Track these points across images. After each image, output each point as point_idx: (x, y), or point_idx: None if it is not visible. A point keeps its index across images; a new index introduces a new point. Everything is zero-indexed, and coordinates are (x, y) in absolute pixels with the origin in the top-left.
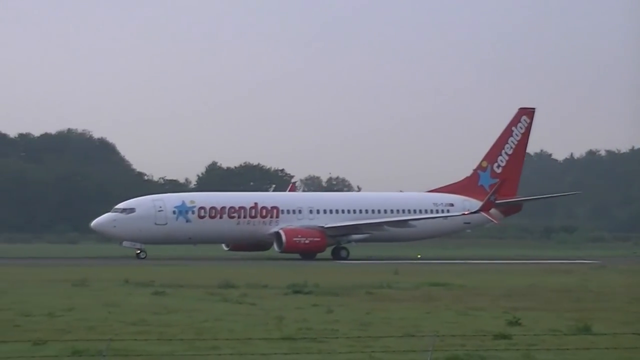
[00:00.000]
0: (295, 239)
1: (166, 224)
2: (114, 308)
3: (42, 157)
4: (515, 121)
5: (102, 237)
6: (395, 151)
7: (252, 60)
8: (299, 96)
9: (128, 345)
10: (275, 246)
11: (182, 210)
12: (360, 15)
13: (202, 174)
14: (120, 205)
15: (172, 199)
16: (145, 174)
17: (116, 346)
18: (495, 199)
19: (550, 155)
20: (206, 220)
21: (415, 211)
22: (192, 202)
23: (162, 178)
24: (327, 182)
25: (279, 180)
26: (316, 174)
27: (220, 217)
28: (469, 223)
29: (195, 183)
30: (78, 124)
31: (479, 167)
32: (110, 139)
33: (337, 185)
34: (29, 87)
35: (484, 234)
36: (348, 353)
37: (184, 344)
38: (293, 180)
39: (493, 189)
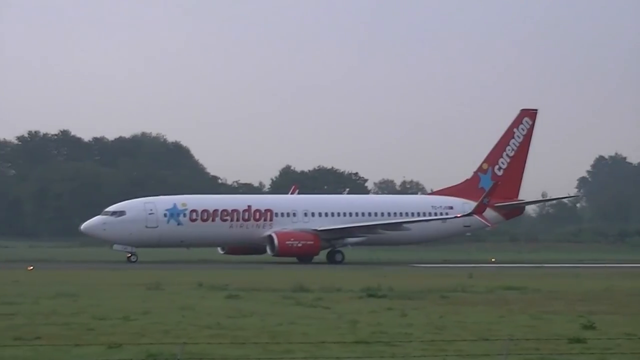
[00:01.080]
0: (288, 242)
1: (157, 227)
2: (188, 311)
3: (117, 161)
4: (517, 122)
5: (93, 240)
6: (466, 154)
7: (327, 62)
8: (373, 98)
9: (202, 349)
10: (268, 250)
11: (173, 213)
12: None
13: (275, 177)
14: (111, 208)
15: (163, 202)
16: (219, 178)
17: (190, 350)
18: (489, 202)
19: (625, 158)
20: (198, 223)
21: (413, 214)
22: (184, 204)
23: (236, 182)
24: (400, 185)
25: (353, 184)
26: (390, 178)
27: (213, 220)
28: (468, 226)
29: (269, 187)
30: (152, 128)
31: (480, 169)
32: (185, 142)
33: (411, 188)
34: (104, 91)
35: (560, 238)
36: (422, 357)
37: (258, 348)
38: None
39: (486, 192)
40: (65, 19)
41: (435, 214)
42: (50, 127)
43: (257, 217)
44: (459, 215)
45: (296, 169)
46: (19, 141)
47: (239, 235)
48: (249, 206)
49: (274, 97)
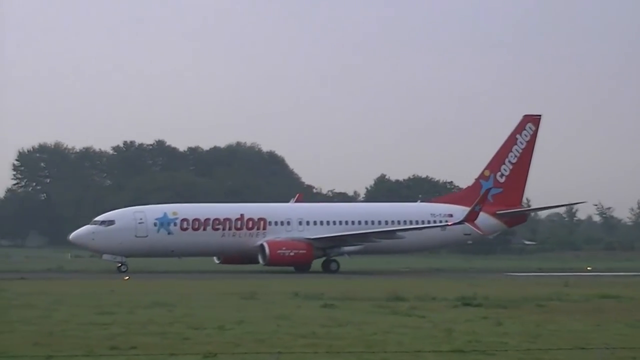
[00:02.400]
0: (279, 251)
1: (147, 236)
2: (283, 321)
3: (212, 170)
4: (520, 129)
5: (82, 250)
6: (566, 161)
7: (422, 71)
8: (467, 105)
9: (297, 358)
10: (260, 259)
11: (163, 222)
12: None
13: (370, 186)
14: (100, 218)
15: (153, 211)
16: (314, 187)
17: (285, 359)
18: (480, 209)
19: None
20: (189, 233)
21: (411, 222)
22: (174, 213)
23: (331, 191)
24: None
25: (448, 193)
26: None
27: (204, 229)
28: (469, 234)
29: (364, 196)
30: (247, 137)
31: (482, 176)
32: (279, 152)
33: None
34: (199, 101)
35: None
36: None
37: (353, 357)
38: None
39: (478, 199)
40: (161, 30)
41: (434, 222)
42: (145, 137)
43: (250, 225)
44: (450, 224)
45: (391, 178)
46: (115, 151)
47: (232, 244)
48: (242, 215)
49: (368, 107)
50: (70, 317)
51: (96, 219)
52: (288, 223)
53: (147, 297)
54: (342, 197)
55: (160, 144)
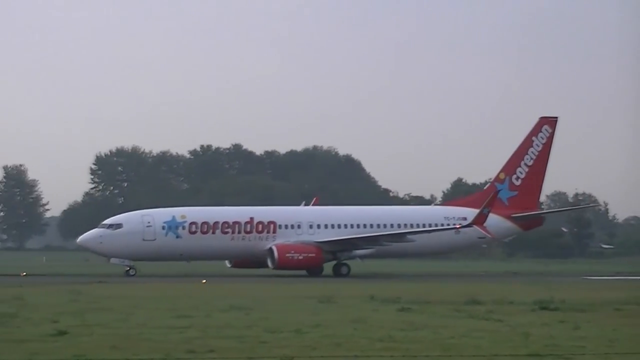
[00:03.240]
0: (288, 254)
1: (155, 239)
2: (360, 324)
3: (289, 174)
4: (535, 131)
5: (90, 253)
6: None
7: (495, 76)
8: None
9: None
10: (269, 262)
11: (172, 226)
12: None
13: (447, 190)
14: (107, 221)
15: (161, 214)
16: (390, 191)
17: None
18: (489, 212)
19: None
20: (198, 236)
21: (424, 225)
22: (183, 216)
23: (408, 194)
24: (573, 197)
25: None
26: (562, 190)
27: (213, 233)
28: (483, 238)
29: (441, 199)
30: (324, 141)
31: (497, 179)
32: (356, 155)
33: (584, 201)
34: (276, 105)
35: None
36: None
37: None
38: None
39: (486, 202)
40: (240, 35)
41: (447, 226)
42: (222, 141)
43: (260, 229)
44: (457, 226)
45: (467, 182)
46: (192, 155)
47: (241, 248)
48: (252, 218)
49: (446, 111)
50: (148, 321)
51: (104, 222)
52: (298, 226)
53: (224, 301)
54: (418, 201)
55: (237, 147)
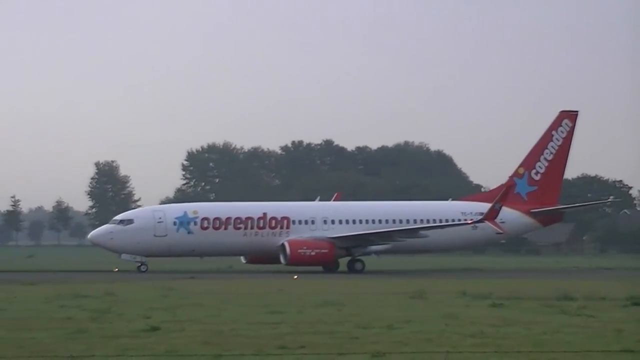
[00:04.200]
0: (300, 250)
1: (166, 235)
2: (451, 320)
3: (380, 170)
4: (555, 125)
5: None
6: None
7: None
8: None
9: (465, 358)
10: (281, 258)
11: (183, 221)
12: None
13: None
14: (118, 217)
15: (173, 210)
16: (482, 186)
17: (453, 358)
18: (501, 207)
19: None
20: (209, 232)
21: (441, 221)
22: (194, 212)
23: None
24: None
25: (618, 192)
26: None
27: (225, 228)
28: (501, 233)
29: None
30: (415, 137)
31: (516, 173)
32: (447, 151)
33: (619, 188)
34: (366, 101)
35: None
36: None
37: (522, 357)
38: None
39: (497, 197)
40: (328, 32)
41: (465, 221)
42: (314, 137)
43: (273, 225)
44: (470, 222)
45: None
46: (283, 151)
47: (254, 243)
48: (265, 214)
49: (539, 103)
50: (240, 317)
51: (115, 217)
52: (312, 222)
53: (315, 297)
54: None
55: (328, 143)
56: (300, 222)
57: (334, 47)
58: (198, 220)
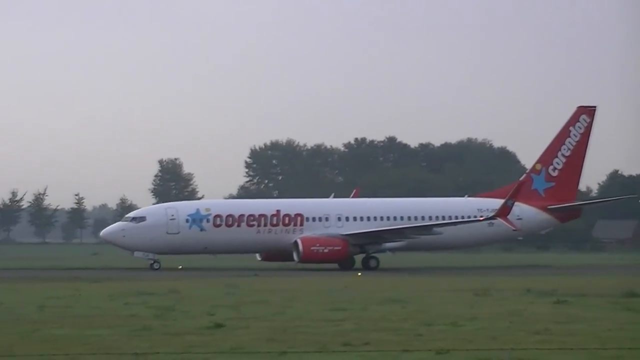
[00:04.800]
0: (313, 247)
1: (178, 232)
2: (515, 317)
3: (443, 167)
4: (573, 120)
5: (113, 247)
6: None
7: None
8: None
9: (529, 355)
10: (294, 256)
11: (196, 219)
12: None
13: (603, 182)
14: (131, 214)
15: (185, 207)
16: None
17: (518, 356)
18: (514, 204)
19: None
20: (222, 229)
21: (456, 218)
22: (207, 210)
23: None
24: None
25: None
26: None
27: (238, 226)
28: (515, 230)
29: (597, 191)
30: (478, 134)
31: (533, 169)
32: (511, 148)
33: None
34: (429, 98)
35: None
36: None
37: (587, 354)
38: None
39: (510, 193)
40: (396, 30)
41: (480, 218)
42: (377, 134)
43: (287, 222)
44: (481, 218)
45: (624, 173)
46: (346, 148)
47: (268, 241)
48: (278, 211)
49: (598, 102)
50: (304, 314)
51: (127, 215)
52: (326, 219)
53: (379, 294)
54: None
55: (391, 140)
56: (314, 219)
57: (397, 44)
58: (210, 218)
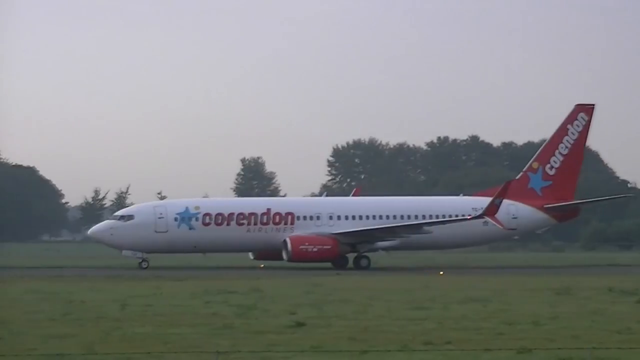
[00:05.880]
0: (302, 246)
1: (167, 231)
2: (598, 316)
3: (525, 166)
4: (571, 119)
5: (102, 245)
6: None
7: None
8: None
9: (611, 354)
10: (283, 255)
11: (184, 217)
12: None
13: None
14: (119, 212)
15: (174, 205)
16: (629, 182)
17: (599, 355)
18: (501, 202)
19: None
20: (212, 228)
21: (450, 216)
22: (196, 208)
23: None
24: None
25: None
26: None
27: (228, 224)
28: (514, 229)
29: None
30: None
31: (530, 168)
32: (594, 146)
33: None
34: (512, 96)
35: None
36: None
37: None
38: None
39: (497, 192)
40: (481, 26)
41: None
42: (460, 132)
43: (277, 220)
44: (469, 217)
45: None
46: (429, 147)
47: (258, 239)
48: (269, 209)
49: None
50: (386, 312)
51: (115, 213)
52: (318, 218)
53: (461, 293)
54: None
55: (474, 139)
56: (305, 217)
57: (480, 43)
58: (200, 216)
